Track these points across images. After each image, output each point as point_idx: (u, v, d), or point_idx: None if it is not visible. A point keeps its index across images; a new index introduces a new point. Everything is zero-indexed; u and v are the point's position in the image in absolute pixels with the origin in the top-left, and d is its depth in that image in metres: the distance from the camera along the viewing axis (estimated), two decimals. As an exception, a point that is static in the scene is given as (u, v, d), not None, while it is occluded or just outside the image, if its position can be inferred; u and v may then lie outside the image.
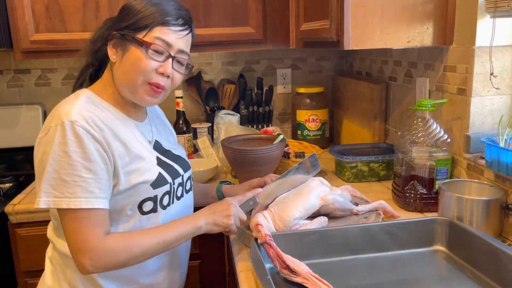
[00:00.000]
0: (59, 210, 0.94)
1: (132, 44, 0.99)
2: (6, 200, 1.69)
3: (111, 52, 1.01)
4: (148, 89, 1.01)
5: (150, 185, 1.01)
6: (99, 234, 0.94)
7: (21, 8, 1.69)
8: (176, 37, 1.01)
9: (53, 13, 1.71)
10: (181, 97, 1.92)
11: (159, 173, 1.04)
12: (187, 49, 1.04)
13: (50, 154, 0.91)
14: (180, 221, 1.04)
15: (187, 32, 1.03)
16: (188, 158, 1.94)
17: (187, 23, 1.03)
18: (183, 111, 1.93)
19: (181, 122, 1.92)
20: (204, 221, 1.04)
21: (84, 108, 0.96)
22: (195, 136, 2.03)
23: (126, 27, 0.99)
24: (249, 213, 1.25)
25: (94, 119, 0.96)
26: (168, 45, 1.00)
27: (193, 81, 2.19)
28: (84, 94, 1.01)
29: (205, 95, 2.17)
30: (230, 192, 1.30)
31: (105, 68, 1.08)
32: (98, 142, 0.94)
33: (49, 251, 1.10)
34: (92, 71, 1.08)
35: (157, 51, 0.99)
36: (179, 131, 1.91)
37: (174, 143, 1.23)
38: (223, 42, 1.84)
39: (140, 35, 0.98)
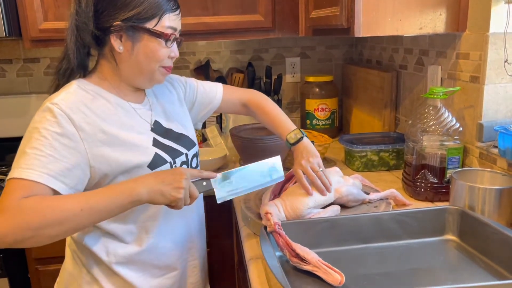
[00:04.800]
0: (6, 181, 0.88)
1: (144, 34, 0.98)
2: (17, 188, 1.70)
3: (116, 43, 0.98)
4: (163, 71, 1.05)
5: (148, 166, 1.00)
6: (19, 196, 0.85)
7: (29, -3, 1.69)
8: (178, 20, 1.04)
9: (61, 1, 1.71)
10: (190, 86, 1.91)
11: (156, 153, 1.03)
12: (181, 27, 1.07)
13: (24, 136, 0.92)
14: (116, 187, 0.92)
15: (180, 11, 1.05)
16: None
17: (178, 2, 1.04)
18: (192, 100, 1.93)
19: (189, 111, 1.91)
20: (147, 189, 0.91)
21: (72, 95, 0.96)
22: (203, 125, 2.03)
23: (133, 17, 0.96)
24: (259, 201, 1.24)
25: (79, 105, 0.95)
26: (175, 30, 1.03)
27: (202, 70, 2.18)
28: (76, 83, 1.00)
29: (213, 84, 2.16)
30: (294, 159, 1.18)
31: (99, 56, 1.04)
32: (75, 127, 0.92)
33: (67, 238, 1.12)
34: (81, 59, 1.03)
35: (170, 40, 1.01)
36: (187, 120, 1.91)
37: (180, 119, 1.18)
38: (231, 30, 1.83)
39: (149, 25, 0.98)
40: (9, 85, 2.12)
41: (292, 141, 1.20)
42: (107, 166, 0.96)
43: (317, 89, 2.11)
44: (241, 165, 1.75)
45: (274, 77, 2.17)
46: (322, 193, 1.14)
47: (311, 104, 2.11)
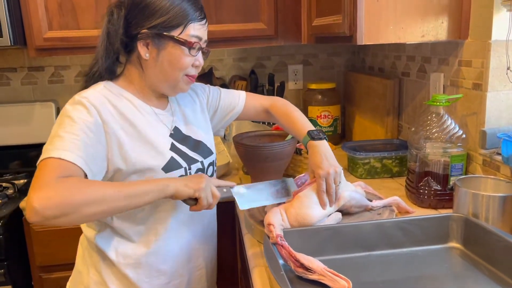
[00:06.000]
0: (41, 161, 0.90)
1: (169, 42, 1.01)
2: (21, 195, 1.71)
3: (143, 50, 1.02)
4: (186, 80, 1.07)
5: (162, 169, 1.03)
6: (58, 174, 0.88)
7: (34, 6, 1.70)
8: (204, 30, 1.06)
9: (66, 10, 1.73)
10: (193, 94, 1.92)
11: (171, 157, 1.06)
12: (207, 37, 1.09)
13: (55, 124, 0.96)
14: (146, 180, 1.00)
15: (206, 21, 1.07)
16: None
17: (205, 12, 1.06)
18: (195, 108, 1.93)
19: (192, 118, 1.92)
20: (173, 181, 0.97)
21: (98, 93, 1.01)
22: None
23: (159, 25, 1.00)
24: (263, 208, 1.24)
25: (104, 102, 1.00)
26: (200, 39, 1.05)
27: (205, 77, 2.19)
28: (103, 84, 1.05)
29: (216, 91, 2.17)
30: (311, 158, 1.14)
31: (127, 62, 1.08)
32: (102, 119, 0.97)
33: (81, 238, 1.14)
34: (109, 64, 1.07)
35: (194, 48, 1.03)
36: (190, 128, 1.91)
37: (200, 127, 1.20)
38: (234, 38, 1.84)
39: (175, 33, 1.01)
40: (14, 93, 2.14)
41: (313, 135, 1.15)
42: (122, 162, 0.99)
43: (319, 96, 2.11)
44: (244, 172, 1.76)
45: (276, 84, 2.17)
46: (331, 205, 1.11)
47: (314, 111, 2.11)
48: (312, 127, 1.21)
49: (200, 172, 1.12)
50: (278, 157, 1.52)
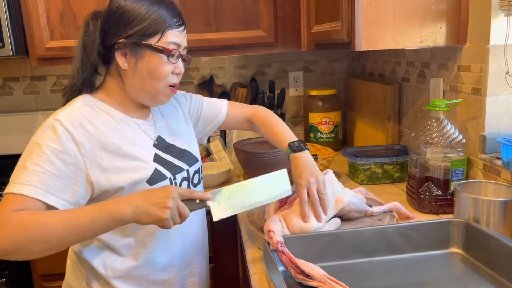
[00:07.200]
0: (4, 194, 0.91)
1: (147, 51, 1.00)
2: (23, 204, 1.71)
3: (121, 60, 1.00)
4: (168, 92, 1.06)
5: (146, 182, 1.01)
6: (10, 209, 0.87)
7: (36, 16, 1.72)
8: (183, 36, 1.04)
9: (67, 20, 1.74)
10: (194, 101, 1.93)
11: (155, 169, 1.04)
12: (187, 44, 1.07)
13: (25, 149, 0.94)
14: (101, 206, 0.92)
15: (185, 27, 1.05)
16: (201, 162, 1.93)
17: (183, 18, 1.05)
18: (196, 115, 1.94)
19: (193, 126, 1.93)
20: (132, 209, 0.90)
21: (76, 110, 0.99)
22: (208, 140, 2.03)
23: (135, 34, 0.98)
24: (263, 214, 1.24)
25: (81, 121, 0.97)
26: (178, 46, 1.03)
27: (206, 85, 2.20)
28: (82, 98, 1.03)
29: (217, 99, 2.17)
30: (293, 170, 1.13)
31: (106, 73, 1.07)
32: (76, 144, 0.94)
33: (69, 250, 1.13)
34: (86, 77, 1.04)
35: (173, 55, 1.02)
36: (191, 135, 1.92)
37: (184, 135, 1.19)
38: (234, 46, 1.85)
39: (152, 41, 0.99)
40: (16, 103, 2.15)
41: (294, 148, 1.14)
42: (106, 181, 0.97)
43: (320, 103, 2.12)
44: (245, 179, 1.76)
45: (277, 91, 2.18)
46: (318, 219, 1.08)
47: (315, 118, 2.12)
48: (293, 138, 1.20)
49: (182, 182, 1.10)
50: (279, 164, 1.52)
